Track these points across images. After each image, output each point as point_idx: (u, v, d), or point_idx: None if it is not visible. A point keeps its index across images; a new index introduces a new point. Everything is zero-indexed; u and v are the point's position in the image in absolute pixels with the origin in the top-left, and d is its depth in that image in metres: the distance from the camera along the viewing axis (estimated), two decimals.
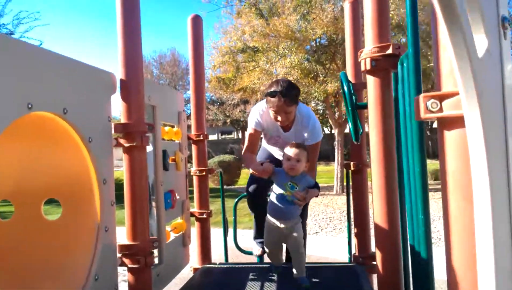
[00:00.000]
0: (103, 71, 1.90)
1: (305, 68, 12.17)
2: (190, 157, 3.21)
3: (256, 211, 3.06)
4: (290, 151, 2.39)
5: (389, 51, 1.75)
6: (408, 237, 1.74)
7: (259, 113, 2.76)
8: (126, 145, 1.94)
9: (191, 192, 3.04)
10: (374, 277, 2.88)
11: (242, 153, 2.83)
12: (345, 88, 2.23)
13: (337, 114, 13.76)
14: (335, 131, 14.35)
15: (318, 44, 12.90)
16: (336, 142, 14.16)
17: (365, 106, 2.34)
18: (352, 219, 3.14)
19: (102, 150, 1.82)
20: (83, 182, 1.80)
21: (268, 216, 2.46)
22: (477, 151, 0.76)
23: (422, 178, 1.48)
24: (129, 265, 1.96)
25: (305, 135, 2.71)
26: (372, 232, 3.02)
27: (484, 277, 0.76)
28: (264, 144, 3.17)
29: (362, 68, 1.81)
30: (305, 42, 12.24)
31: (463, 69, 0.74)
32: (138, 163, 1.96)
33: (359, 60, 1.87)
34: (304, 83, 12.11)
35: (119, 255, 1.97)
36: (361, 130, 2.46)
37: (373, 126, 1.81)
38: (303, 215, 2.82)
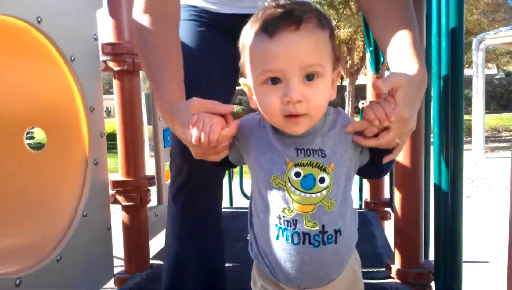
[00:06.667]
0: None
1: None
2: None
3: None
4: (275, 47, 0.75)
5: None
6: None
7: None
8: (116, 68, 1.71)
9: None
10: (386, 224, 2.73)
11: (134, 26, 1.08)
12: None
13: (349, 62, 13.26)
14: (346, 81, 13.93)
15: None
16: (347, 93, 13.79)
17: None
18: None
19: (87, 72, 1.59)
20: (67, 109, 1.58)
21: (269, 276, 0.94)
22: None
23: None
24: (123, 203, 1.79)
25: None
26: (386, 178, 2.84)
27: None
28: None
29: None
30: None
31: None
32: (130, 89, 1.73)
33: None
34: None
35: (112, 192, 1.80)
36: (382, 59, 2.18)
37: None
38: None
